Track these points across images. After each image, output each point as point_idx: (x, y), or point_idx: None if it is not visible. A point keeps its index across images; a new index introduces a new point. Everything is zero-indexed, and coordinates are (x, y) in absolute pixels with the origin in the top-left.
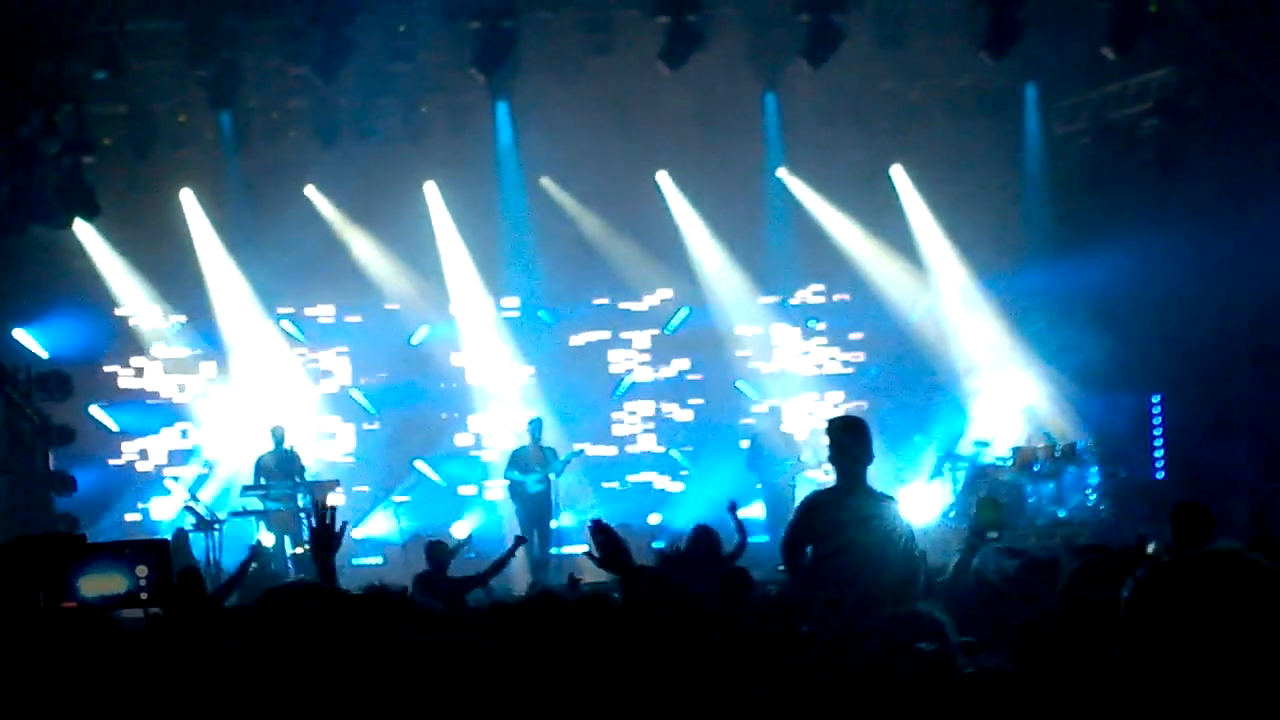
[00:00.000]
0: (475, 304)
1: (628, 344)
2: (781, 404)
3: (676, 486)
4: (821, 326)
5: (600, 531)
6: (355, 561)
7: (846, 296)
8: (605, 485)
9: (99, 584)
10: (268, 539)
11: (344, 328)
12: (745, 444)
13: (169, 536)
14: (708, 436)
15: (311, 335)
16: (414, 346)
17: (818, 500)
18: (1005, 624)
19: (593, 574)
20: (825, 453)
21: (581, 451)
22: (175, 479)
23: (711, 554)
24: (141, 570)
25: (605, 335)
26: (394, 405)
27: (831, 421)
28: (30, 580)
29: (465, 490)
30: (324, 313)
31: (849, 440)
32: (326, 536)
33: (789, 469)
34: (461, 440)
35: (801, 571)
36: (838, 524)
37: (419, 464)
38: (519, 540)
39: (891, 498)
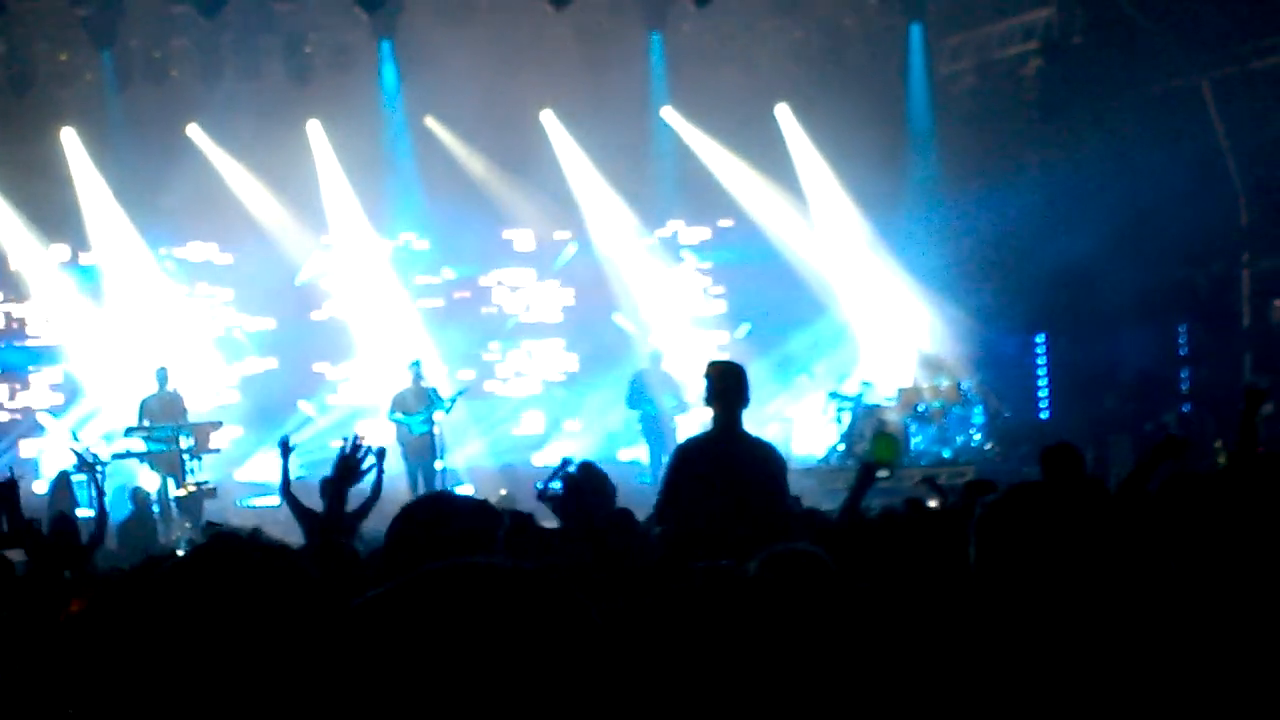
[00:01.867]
0: (359, 243)
1: (512, 282)
2: (664, 342)
3: (566, 425)
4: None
5: (567, 479)
6: (243, 504)
7: (731, 235)
8: (489, 426)
9: None
10: (151, 481)
11: (227, 268)
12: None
13: (50, 478)
14: (592, 375)
15: (195, 275)
16: (298, 286)
17: (689, 448)
18: (894, 566)
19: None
20: (703, 395)
21: (468, 389)
22: (55, 418)
23: (599, 490)
24: None
25: (489, 274)
26: (277, 346)
27: (710, 365)
28: None
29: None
30: (207, 252)
31: (726, 384)
32: (349, 468)
33: (671, 407)
34: (343, 381)
35: (674, 525)
36: (711, 468)
37: (302, 405)
38: (379, 454)
39: (766, 441)
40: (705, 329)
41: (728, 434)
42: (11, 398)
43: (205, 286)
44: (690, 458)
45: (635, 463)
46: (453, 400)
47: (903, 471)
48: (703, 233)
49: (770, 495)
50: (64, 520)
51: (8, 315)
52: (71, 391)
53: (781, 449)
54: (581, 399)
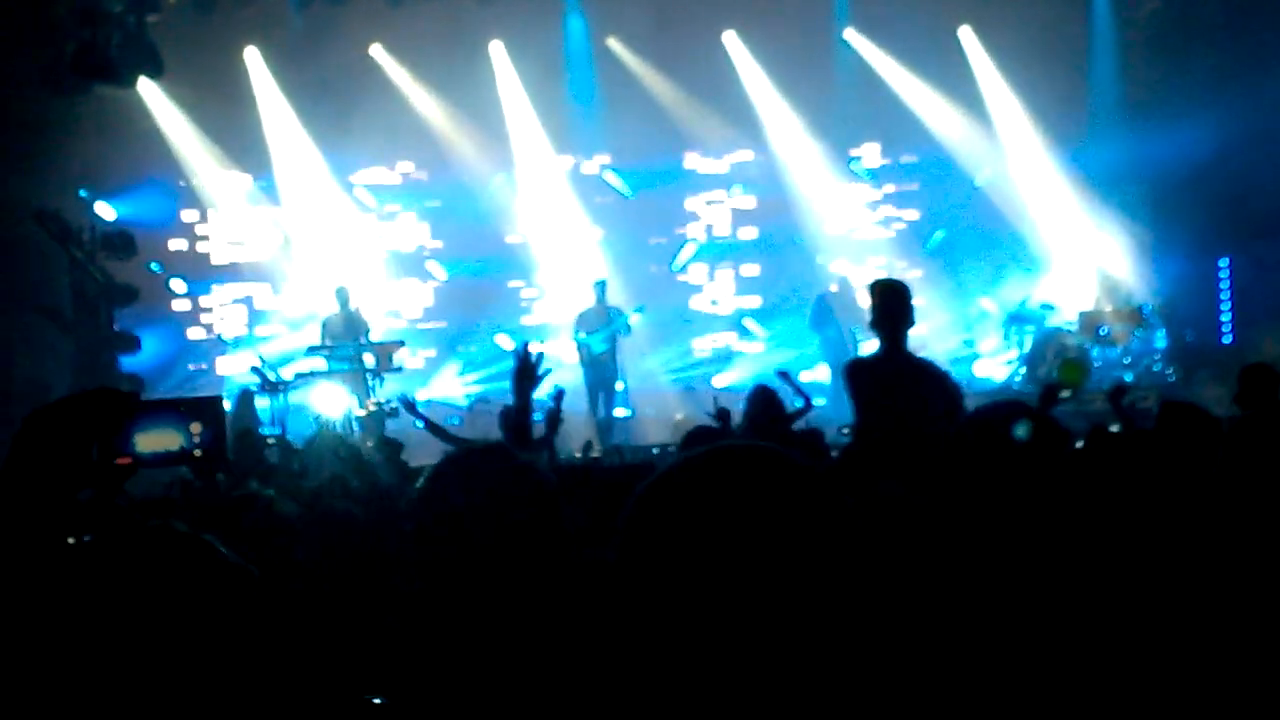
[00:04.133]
0: (542, 165)
1: (695, 205)
2: (851, 267)
3: (747, 347)
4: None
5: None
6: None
7: (914, 158)
8: (668, 346)
9: (154, 440)
10: (332, 400)
11: (409, 188)
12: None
13: (234, 397)
14: (773, 297)
15: (377, 196)
16: (482, 208)
17: (857, 367)
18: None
19: (655, 436)
20: (869, 316)
21: (644, 307)
22: (241, 340)
23: (772, 415)
24: (195, 427)
25: (673, 195)
26: (461, 267)
27: (873, 285)
28: (84, 436)
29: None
30: (389, 174)
31: (889, 304)
32: (528, 369)
33: (855, 330)
34: (527, 301)
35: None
36: (878, 388)
37: (501, 339)
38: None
39: (932, 362)
40: (887, 254)
41: (893, 354)
42: (199, 318)
43: (388, 207)
44: (860, 377)
45: (815, 384)
46: (626, 320)
47: (1084, 397)
48: (885, 156)
49: (937, 415)
50: (249, 436)
51: (192, 236)
52: (257, 313)
53: (962, 374)
54: (763, 321)
